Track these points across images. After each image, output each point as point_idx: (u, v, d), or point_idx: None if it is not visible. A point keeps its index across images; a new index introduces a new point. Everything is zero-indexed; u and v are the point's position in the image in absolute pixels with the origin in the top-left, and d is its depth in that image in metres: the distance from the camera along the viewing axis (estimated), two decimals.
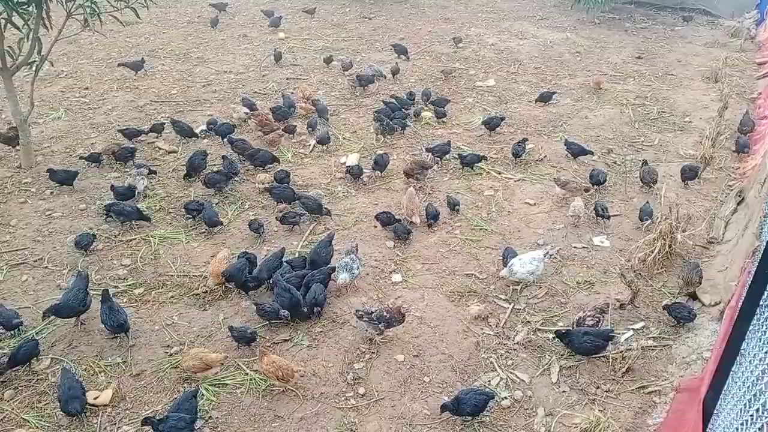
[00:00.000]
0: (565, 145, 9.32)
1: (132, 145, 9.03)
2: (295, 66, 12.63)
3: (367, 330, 5.93)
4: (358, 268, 6.47)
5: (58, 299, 6.01)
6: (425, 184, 8.63)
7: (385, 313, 5.82)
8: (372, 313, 5.84)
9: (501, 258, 6.95)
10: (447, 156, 9.21)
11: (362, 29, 15.08)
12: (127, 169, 8.67)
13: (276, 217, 7.62)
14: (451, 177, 8.86)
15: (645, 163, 8.76)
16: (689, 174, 8.57)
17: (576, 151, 9.18)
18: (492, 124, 10.02)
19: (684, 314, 6.07)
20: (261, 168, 8.73)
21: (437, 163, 9.07)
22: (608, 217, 7.67)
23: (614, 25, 15.99)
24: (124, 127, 9.54)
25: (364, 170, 8.70)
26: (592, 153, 9.19)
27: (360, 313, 5.90)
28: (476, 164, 8.96)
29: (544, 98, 11.09)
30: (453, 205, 7.88)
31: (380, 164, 8.76)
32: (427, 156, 9.13)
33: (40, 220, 7.65)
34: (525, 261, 6.52)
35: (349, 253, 6.57)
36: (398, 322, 5.88)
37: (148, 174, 8.31)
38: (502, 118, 10.19)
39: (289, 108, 10.19)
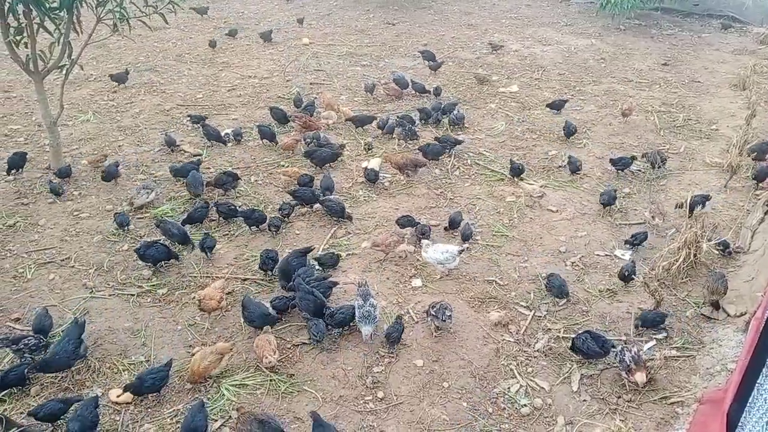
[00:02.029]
0: (611, 163, 8.98)
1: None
2: (318, 71, 12.73)
3: (433, 324, 6.10)
4: (378, 312, 6.02)
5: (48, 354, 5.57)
6: (446, 189, 8.63)
7: (447, 302, 6.06)
8: (436, 307, 6.01)
9: (545, 283, 6.72)
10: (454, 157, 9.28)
11: (386, 35, 15.15)
12: (154, 171, 8.82)
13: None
14: (473, 183, 8.84)
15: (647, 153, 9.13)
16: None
17: (622, 164, 8.86)
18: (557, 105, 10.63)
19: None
20: (319, 167, 8.88)
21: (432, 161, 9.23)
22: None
23: (640, 31, 15.85)
24: (193, 113, 10.25)
25: (380, 175, 8.78)
26: (634, 158, 8.92)
27: (434, 310, 6.02)
28: (522, 174, 8.78)
29: (556, 106, 10.85)
30: (466, 237, 7.44)
31: (430, 153, 9.11)
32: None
33: (68, 220, 7.81)
34: (439, 249, 6.80)
35: (366, 298, 5.97)
36: None
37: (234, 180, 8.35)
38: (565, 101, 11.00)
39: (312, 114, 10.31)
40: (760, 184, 8.51)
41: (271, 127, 9.80)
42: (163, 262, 6.95)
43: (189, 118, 10.20)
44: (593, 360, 5.75)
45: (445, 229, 7.67)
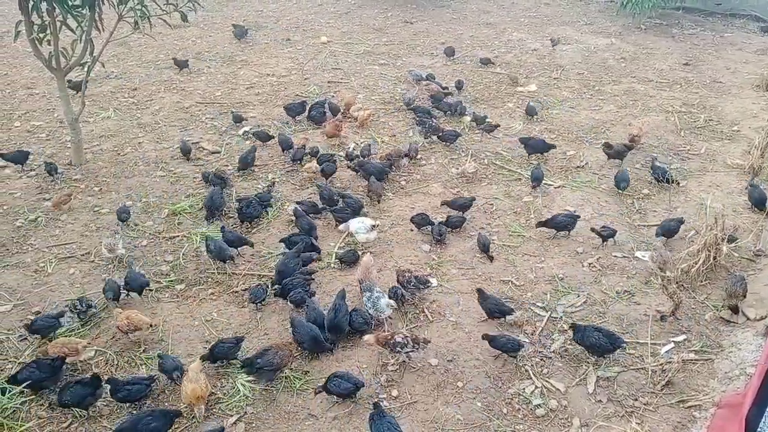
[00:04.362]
0: (652, 169, 8.70)
1: None
2: (336, 70, 12.75)
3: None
4: (386, 297, 6.26)
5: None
6: (462, 188, 8.61)
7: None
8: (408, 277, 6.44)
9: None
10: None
11: (403, 34, 15.13)
12: (173, 168, 8.90)
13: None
14: (489, 182, 8.81)
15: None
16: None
17: (661, 175, 8.53)
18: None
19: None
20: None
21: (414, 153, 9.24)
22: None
23: (661, 31, 15.66)
24: (290, 103, 10.53)
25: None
26: (678, 183, 8.60)
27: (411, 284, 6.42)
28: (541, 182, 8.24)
29: (530, 112, 10.62)
30: (485, 246, 7.23)
31: (447, 139, 9.60)
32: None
33: (88, 215, 7.92)
34: (355, 221, 7.43)
35: (372, 289, 6.22)
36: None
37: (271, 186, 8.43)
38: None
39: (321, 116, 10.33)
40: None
41: (267, 130, 9.79)
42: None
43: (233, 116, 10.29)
44: (599, 355, 5.78)
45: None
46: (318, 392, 5.33)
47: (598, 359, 5.80)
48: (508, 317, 6.20)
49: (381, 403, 5.17)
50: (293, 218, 7.66)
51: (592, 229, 7.46)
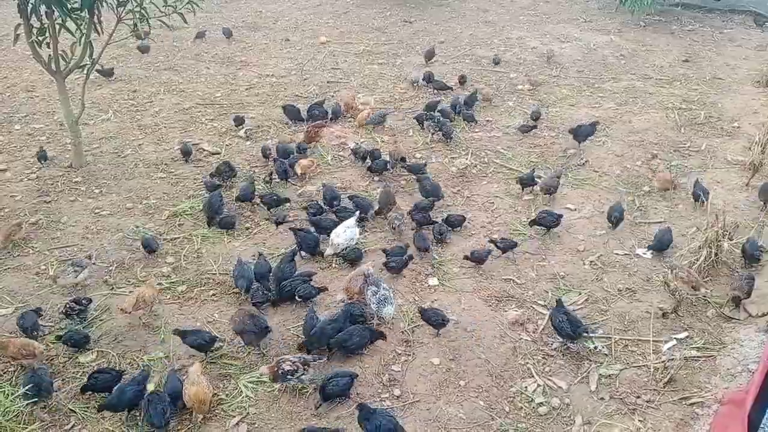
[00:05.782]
0: (695, 187, 8.14)
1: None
2: (335, 69, 12.75)
3: None
4: (392, 294, 6.23)
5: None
6: (462, 187, 8.62)
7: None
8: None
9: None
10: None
11: (402, 33, 15.12)
12: (174, 169, 8.91)
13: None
14: (490, 181, 8.81)
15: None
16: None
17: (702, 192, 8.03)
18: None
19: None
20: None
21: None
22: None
23: (660, 27, 15.64)
24: (289, 104, 10.47)
25: (388, 164, 8.83)
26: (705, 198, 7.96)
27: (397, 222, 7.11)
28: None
29: (535, 116, 10.42)
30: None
31: (447, 135, 9.66)
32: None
33: (89, 218, 7.92)
34: (340, 232, 7.07)
35: (379, 285, 6.17)
36: None
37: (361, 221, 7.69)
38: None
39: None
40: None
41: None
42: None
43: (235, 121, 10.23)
44: (564, 339, 5.89)
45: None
46: (319, 406, 5.27)
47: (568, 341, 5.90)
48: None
49: (368, 404, 5.10)
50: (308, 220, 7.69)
51: (491, 241, 7.27)
